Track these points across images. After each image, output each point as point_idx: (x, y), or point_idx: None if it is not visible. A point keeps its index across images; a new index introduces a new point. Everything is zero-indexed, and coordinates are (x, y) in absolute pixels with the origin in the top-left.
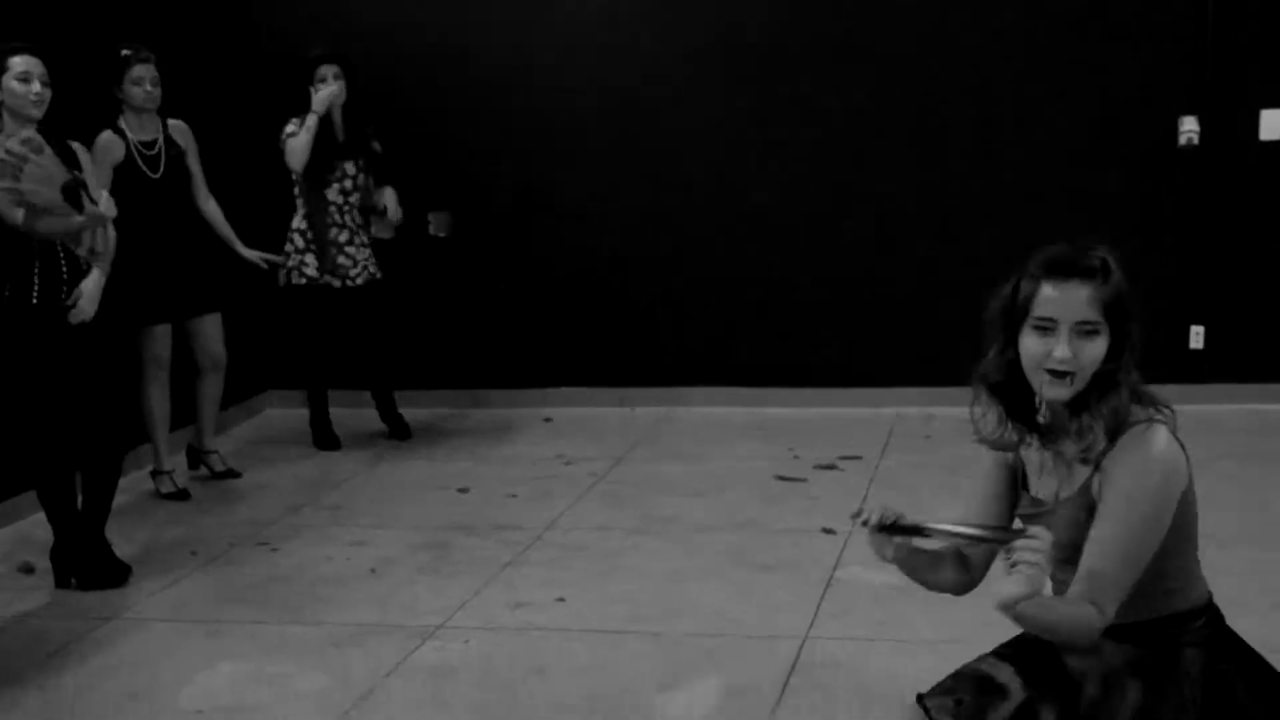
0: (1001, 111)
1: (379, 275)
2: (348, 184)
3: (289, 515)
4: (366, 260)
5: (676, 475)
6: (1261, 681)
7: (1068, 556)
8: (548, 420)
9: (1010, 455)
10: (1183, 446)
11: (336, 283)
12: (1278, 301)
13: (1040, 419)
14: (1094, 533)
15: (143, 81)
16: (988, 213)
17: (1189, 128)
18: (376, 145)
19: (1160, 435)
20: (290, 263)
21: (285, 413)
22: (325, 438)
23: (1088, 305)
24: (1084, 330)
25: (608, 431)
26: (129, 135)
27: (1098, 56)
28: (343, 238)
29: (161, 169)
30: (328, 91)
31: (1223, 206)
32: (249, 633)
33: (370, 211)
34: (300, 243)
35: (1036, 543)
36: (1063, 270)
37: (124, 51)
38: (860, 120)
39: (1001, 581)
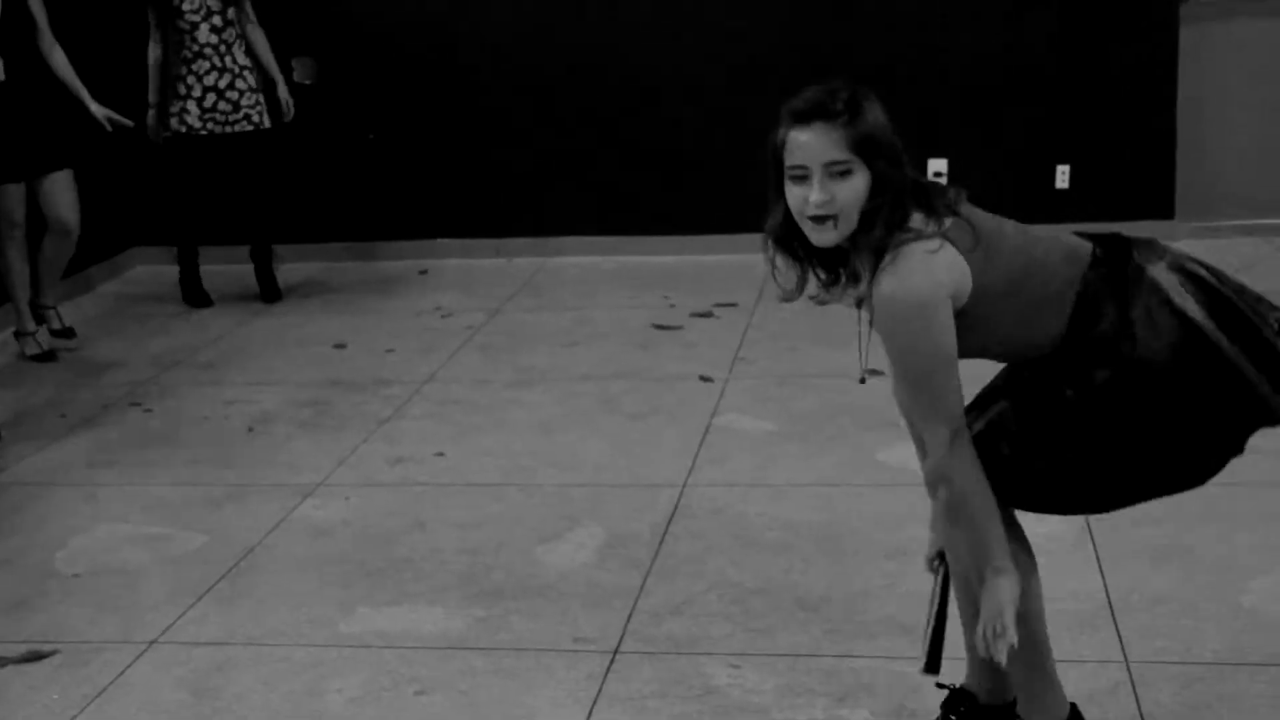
0: None
1: (264, 124)
2: (216, 20)
3: (162, 374)
4: (251, 107)
5: (554, 326)
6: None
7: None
8: (423, 273)
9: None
10: (972, 229)
11: (219, 130)
12: (1139, 140)
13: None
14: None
15: None
16: (855, 59)
17: None
18: None
19: (904, 264)
20: (173, 109)
21: (153, 269)
22: (195, 294)
23: (834, 146)
24: (835, 171)
25: (484, 283)
26: None
27: None
28: (223, 82)
29: None
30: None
31: (1086, 47)
32: (125, 494)
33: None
34: (182, 89)
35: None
36: (806, 115)
37: None
38: None
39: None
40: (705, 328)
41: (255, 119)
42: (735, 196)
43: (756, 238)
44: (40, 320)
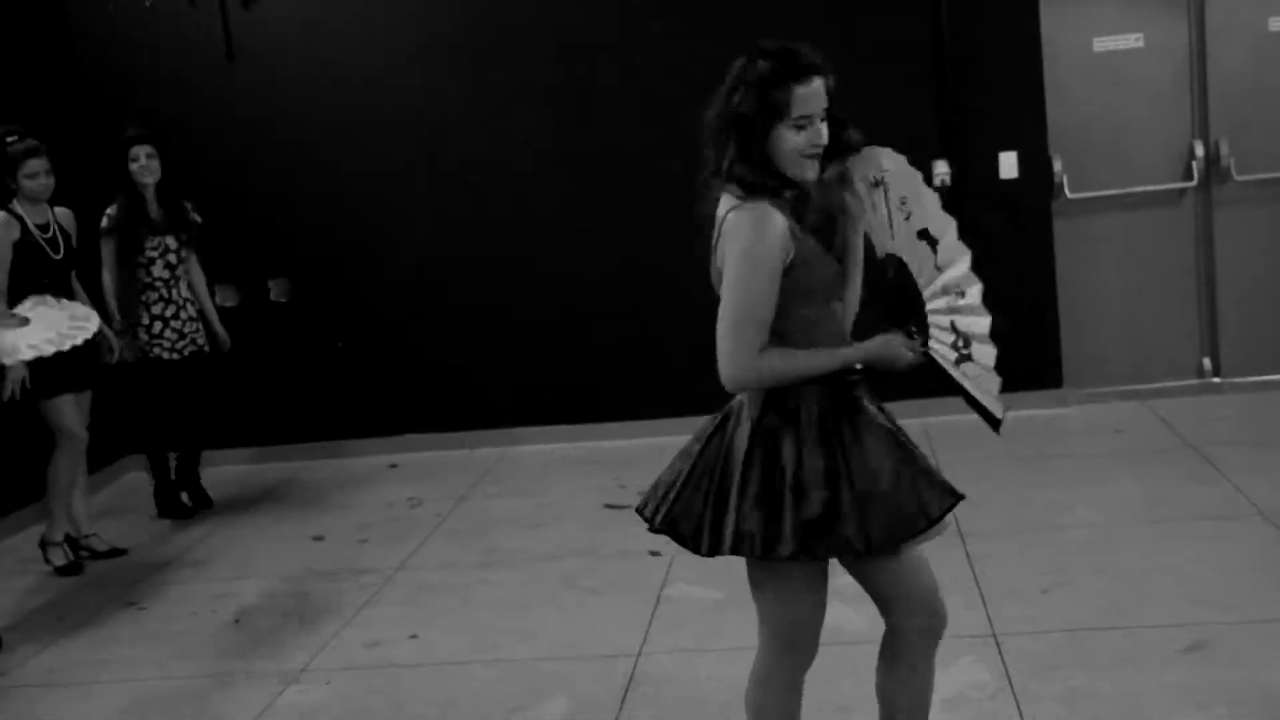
0: None
1: (207, 348)
2: (171, 258)
3: (154, 574)
4: (195, 333)
5: (515, 510)
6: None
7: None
8: (394, 466)
9: (784, 247)
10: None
11: (166, 355)
12: (1027, 319)
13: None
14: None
15: (37, 175)
16: None
17: (941, 170)
18: (196, 217)
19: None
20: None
21: (143, 476)
22: (172, 506)
23: (826, 95)
24: (822, 117)
25: (451, 473)
26: (25, 218)
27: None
28: (169, 312)
29: (61, 250)
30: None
31: (975, 242)
32: (122, 690)
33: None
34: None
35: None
36: (810, 71)
37: (12, 147)
38: (677, 167)
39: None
40: None
41: (199, 342)
42: (678, 382)
43: (698, 420)
44: (81, 548)
